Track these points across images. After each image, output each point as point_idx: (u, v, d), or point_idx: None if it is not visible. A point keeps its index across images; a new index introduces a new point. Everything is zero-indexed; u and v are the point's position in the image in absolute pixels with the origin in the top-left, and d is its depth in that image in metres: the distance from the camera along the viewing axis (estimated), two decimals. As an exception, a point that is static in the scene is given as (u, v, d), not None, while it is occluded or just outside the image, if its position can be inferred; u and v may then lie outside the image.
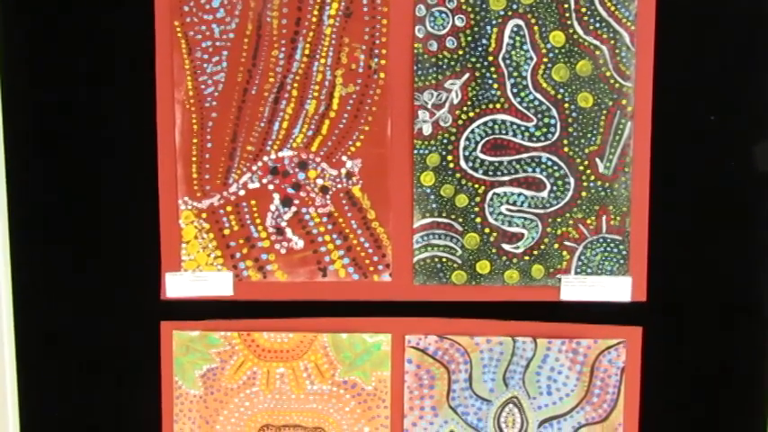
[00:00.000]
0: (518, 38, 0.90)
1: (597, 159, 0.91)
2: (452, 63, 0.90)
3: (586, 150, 0.91)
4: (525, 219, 0.92)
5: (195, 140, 0.92)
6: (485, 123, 0.91)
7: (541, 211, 0.92)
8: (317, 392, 0.95)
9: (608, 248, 0.92)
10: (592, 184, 0.92)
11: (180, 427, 0.96)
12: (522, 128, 0.91)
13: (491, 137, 0.92)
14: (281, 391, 0.95)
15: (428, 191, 0.92)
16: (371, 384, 0.95)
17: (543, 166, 0.92)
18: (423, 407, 0.95)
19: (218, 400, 0.96)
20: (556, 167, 0.92)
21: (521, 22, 0.90)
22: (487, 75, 0.90)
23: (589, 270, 0.92)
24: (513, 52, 0.90)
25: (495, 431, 0.95)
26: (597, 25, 0.89)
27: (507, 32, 0.90)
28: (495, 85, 0.91)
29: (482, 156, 0.92)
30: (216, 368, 0.95)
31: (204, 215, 0.93)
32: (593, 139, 0.91)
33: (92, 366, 0.95)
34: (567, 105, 0.91)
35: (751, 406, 0.94)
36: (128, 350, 0.95)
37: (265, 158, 0.92)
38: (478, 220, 0.92)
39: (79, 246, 0.94)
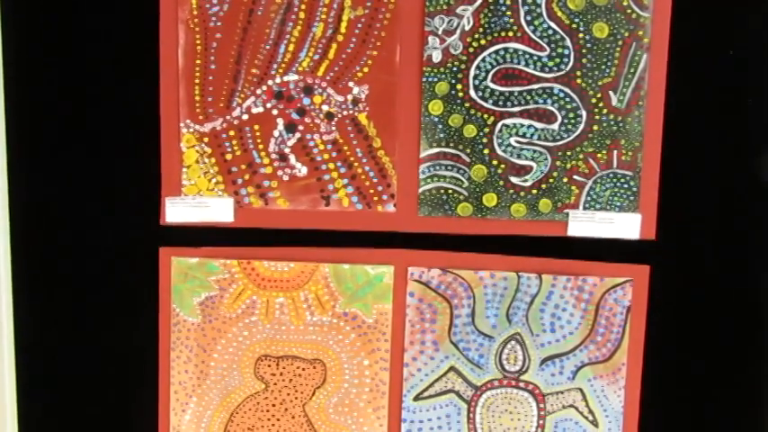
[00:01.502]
0: (534, -38, 0.87)
1: (611, 92, 0.89)
2: (465, -13, 0.87)
3: (600, 83, 0.89)
4: (534, 151, 0.90)
5: (198, 62, 0.90)
6: (496, 52, 0.89)
7: (551, 144, 0.90)
8: (317, 324, 0.94)
9: (618, 184, 0.90)
10: (604, 118, 0.89)
11: (177, 354, 0.95)
12: (535, 57, 0.89)
13: (502, 66, 0.89)
14: (281, 322, 0.94)
15: (436, 120, 0.90)
16: (372, 317, 0.93)
17: (555, 98, 0.89)
18: (424, 341, 0.93)
19: (216, 329, 0.94)
20: (568, 99, 0.89)
21: (537, -54, 0.87)
22: (500, 1, 0.88)
23: (598, 206, 0.90)
24: (528, -23, 0.87)
25: (496, 368, 0.94)
26: (616, -49, 0.87)
27: (523, -44, 0.87)
28: (509, 13, 0.88)
29: (492, 85, 0.89)
30: (215, 296, 0.94)
31: (206, 139, 0.91)
32: (608, 71, 0.89)
33: (90, 291, 0.94)
34: (581, 35, 0.88)
35: (759, 348, 0.92)
36: (126, 276, 0.94)
37: (270, 82, 0.90)
38: (486, 151, 0.90)
39: (78, 169, 0.92)
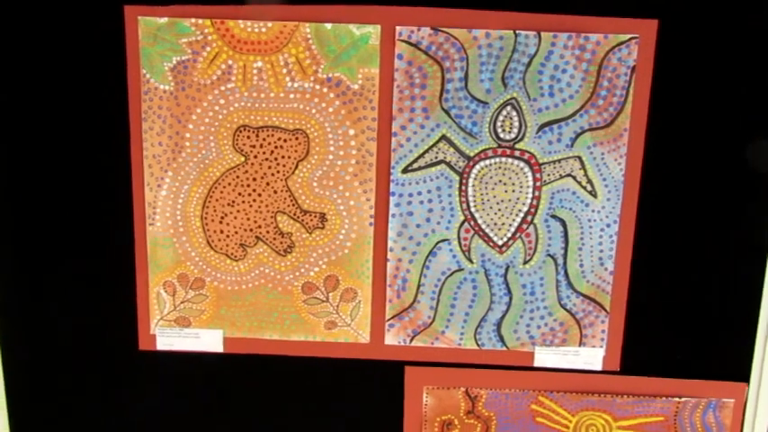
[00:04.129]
0: None
1: None
2: None
3: None
4: None
5: None
6: None
7: None
8: (299, 90, 0.87)
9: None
10: None
11: (149, 125, 0.88)
12: None
13: None
14: (259, 89, 0.87)
15: None
16: (358, 82, 0.87)
17: None
18: (413, 108, 0.87)
19: (190, 97, 0.88)
20: None
21: None
22: None
23: (604, -49, 0.82)
24: None
25: (490, 136, 0.88)
26: None
27: None
28: None
29: None
30: (187, 60, 0.86)
31: None
32: None
33: (50, 57, 0.86)
34: None
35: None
36: (89, 41, 0.86)
37: None
38: None
39: None
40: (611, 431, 0.96)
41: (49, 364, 0.96)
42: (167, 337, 0.95)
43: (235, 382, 0.96)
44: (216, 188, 0.90)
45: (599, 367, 0.94)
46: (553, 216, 0.90)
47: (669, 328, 0.93)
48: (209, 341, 0.95)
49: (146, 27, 0.85)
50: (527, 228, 0.90)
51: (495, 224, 0.90)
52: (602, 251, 0.91)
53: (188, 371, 0.96)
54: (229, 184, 0.90)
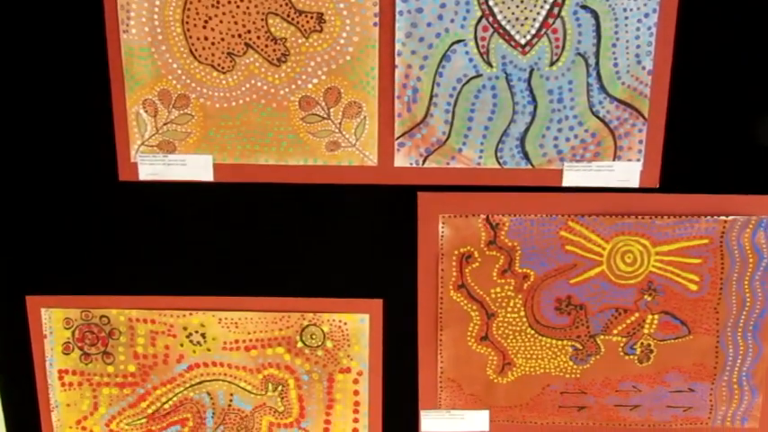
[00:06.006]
0: None
1: None
2: None
3: None
4: None
5: None
6: None
7: None
8: None
9: None
10: None
11: None
12: None
13: None
14: None
15: None
16: None
17: None
18: None
19: None
20: None
21: None
22: None
23: None
24: None
25: None
26: None
27: None
28: None
29: None
30: None
31: None
32: None
33: None
34: None
35: None
36: None
37: None
38: None
39: None
40: (649, 257, 0.86)
41: (18, 202, 0.86)
42: (150, 165, 0.85)
43: (227, 215, 0.86)
44: (196, -16, 0.79)
45: (636, 184, 0.84)
46: (583, 6, 0.78)
47: (715, 137, 0.82)
48: (197, 168, 0.84)
49: None
50: (553, 22, 0.79)
51: (518, 19, 0.79)
52: (639, 47, 0.80)
53: (174, 204, 0.86)
54: (211, -22, 0.78)
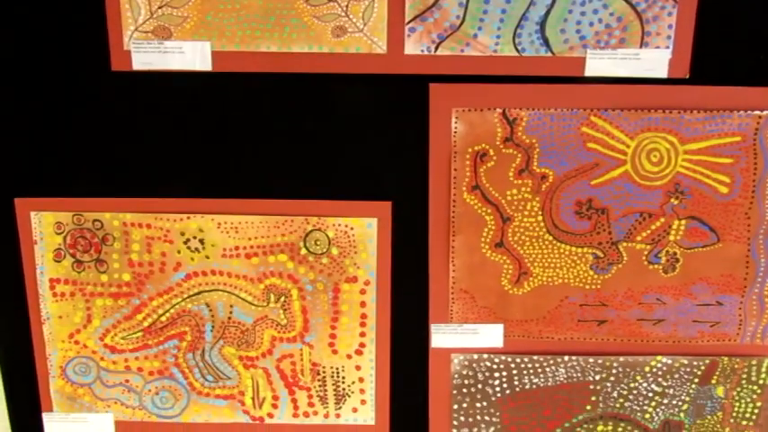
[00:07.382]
0: None
1: None
2: None
3: None
4: None
5: None
6: None
7: None
8: None
9: None
10: None
11: None
12: None
13: None
14: None
15: None
16: None
17: None
18: None
19: None
20: None
21: None
22: None
23: None
24: None
25: None
26: None
27: None
28: None
29: None
30: None
31: None
32: None
33: None
34: None
35: None
36: None
37: None
38: None
39: None
40: (676, 156, 0.80)
41: (1, 96, 0.81)
42: (144, 53, 0.79)
43: (226, 106, 0.81)
44: None
45: (664, 74, 0.78)
46: None
47: (752, 23, 0.76)
48: (194, 56, 0.79)
49: None
50: None
51: None
52: None
53: (171, 95, 0.80)
54: None
